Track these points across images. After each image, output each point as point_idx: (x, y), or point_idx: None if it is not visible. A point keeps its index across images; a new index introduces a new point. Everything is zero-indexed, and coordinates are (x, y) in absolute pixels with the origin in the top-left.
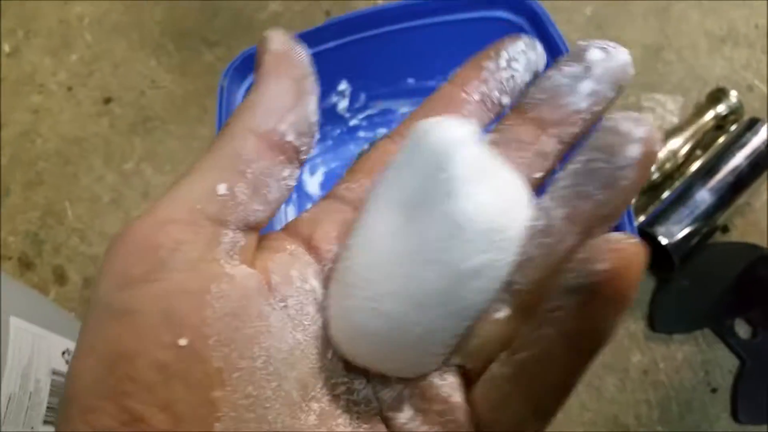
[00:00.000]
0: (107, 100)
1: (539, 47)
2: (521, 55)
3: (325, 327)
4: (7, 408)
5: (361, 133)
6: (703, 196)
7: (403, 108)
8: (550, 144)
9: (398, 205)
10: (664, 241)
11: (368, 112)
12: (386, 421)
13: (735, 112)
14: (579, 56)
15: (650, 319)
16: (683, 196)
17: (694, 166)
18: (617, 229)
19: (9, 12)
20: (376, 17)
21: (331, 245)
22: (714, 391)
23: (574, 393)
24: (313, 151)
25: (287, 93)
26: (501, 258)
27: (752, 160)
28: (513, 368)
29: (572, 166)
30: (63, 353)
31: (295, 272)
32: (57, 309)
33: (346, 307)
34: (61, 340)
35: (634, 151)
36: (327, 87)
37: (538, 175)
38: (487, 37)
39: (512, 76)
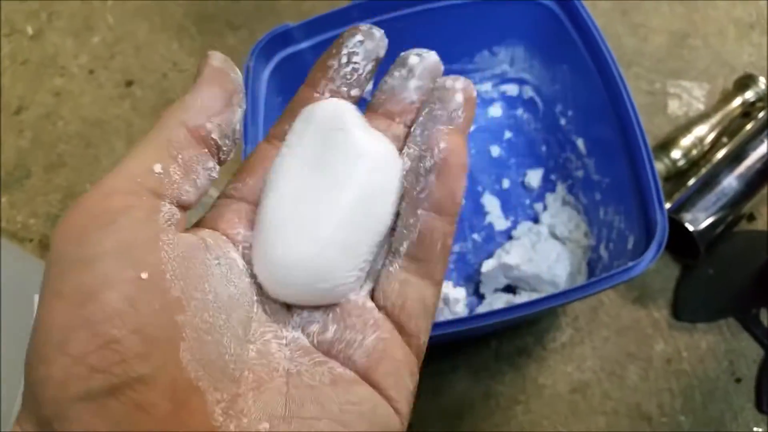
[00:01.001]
0: (129, 83)
1: (376, 33)
2: (359, 47)
3: (248, 285)
4: None
5: None
6: (731, 184)
7: None
8: (399, 129)
9: (303, 163)
10: (690, 228)
11: None
12: (314, 344)
13: (763, 99)
14: (403, 63)
15: (674, 307)
16: (710, 183)
17: (721, 154)
18: (646, 211)
19: None
20: None
21: (237, 229)
22: (738, 381)
23: (596, 381)
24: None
25: (218, 100)
26: (392, 181)
27: None
28: (402, 258)
29: (420, 119)
30: None
31: (221, 242)
32: None
33: (274, 248)
34: None
35: (459, 97)
36: None
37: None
38: (515, 17)
39: (354, 69)
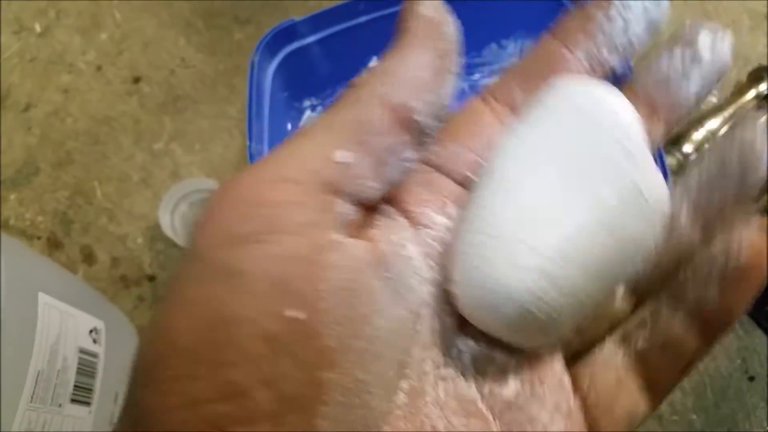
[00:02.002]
0: (136, 80)
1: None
2: (636, 4)
3: (420, 295)
4: (36, 384)
5: None
6: None
7: None
8: (658, 128)
9: (551, 162)
10: None
11: None
12: (485, 396)
13: None
14: (688, 41)
15: None
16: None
17: None
18: None
19: None
20: None
21: (422, 207)
22: (751, 379)
23: None
24: None
25: (428, 68)
26: (656, 235)
27: None
28: (631, 355)
29: (704, 161)
30: (90, 331)
31: (395, 237)
32: (85, 287)
33: (493, 261)
34: (89, 318)
35: (764, 172)
36: (358, 62)
37: None
38: (523, 9)
39: (625, 29)
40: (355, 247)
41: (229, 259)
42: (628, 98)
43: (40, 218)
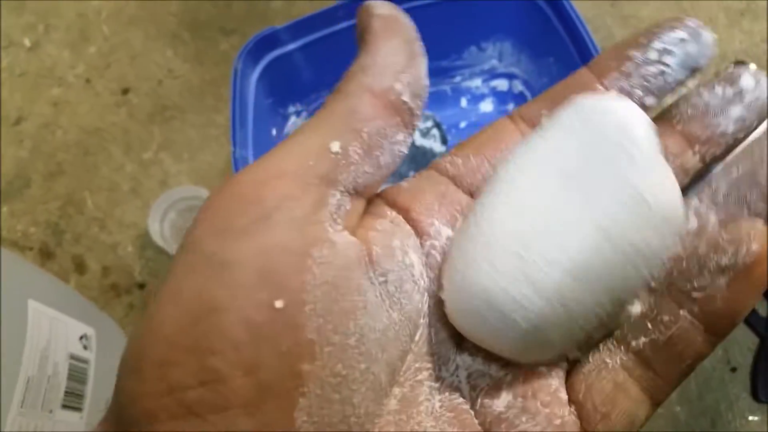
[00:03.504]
0: (125, 91)
1: (706, 36)
2: (678, 47)
3: (419, 304)
4: (26, 390)
5: None
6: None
7: None
8: (692, 161)
9: (555, 172)
10: None
11: None
12: (477, 410)
13: None
14: (731, 79)
15: None
16: (702, 173)
17: None
18: None
19: (29, 7)
20: None
21: (432, 218)
22: (733, 370)
23: None
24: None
25: (400, 53)
26: (666, 245)
27: None
28: (630, 355)
29: (732, 173)
30: (81, 338)
31: (397, 243)
32: (75, 294)
33: (484, 273)
34: (79, 324)
35: None
36: (340, 68)
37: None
38: (500, 13)
39: (662, 72)
40: (347, 245)
41: (220, 250)
42: (665, 129)
43: (32, 229)
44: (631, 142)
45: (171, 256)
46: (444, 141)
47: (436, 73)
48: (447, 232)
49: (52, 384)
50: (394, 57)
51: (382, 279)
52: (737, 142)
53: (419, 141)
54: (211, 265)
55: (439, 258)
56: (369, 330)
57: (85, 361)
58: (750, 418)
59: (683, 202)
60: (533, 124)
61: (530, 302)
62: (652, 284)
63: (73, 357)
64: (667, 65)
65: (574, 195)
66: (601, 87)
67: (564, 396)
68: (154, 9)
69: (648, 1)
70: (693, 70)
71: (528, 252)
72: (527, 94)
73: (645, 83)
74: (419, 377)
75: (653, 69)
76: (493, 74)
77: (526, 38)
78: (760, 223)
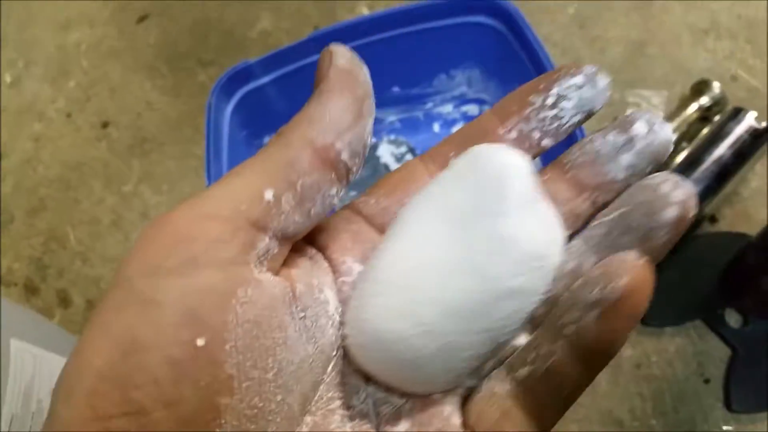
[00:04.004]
0: (105, 124)
1: (601, 81)
2: (574, 93)
3: (333, 338)
4: (10, 427)
5: None
6: None
7: (391, 116)
8: (583, 206)
9: (443, 218)
10: None
11: None
12: None
13: (719, 103)
14: (623, 126)
15: None
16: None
17: (680, 158)
18: None
19: (9, 42)
20: (357, 28)
21: (345, 257)
22: (707, 381)
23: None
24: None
25: (348, 111)
26: (535, 285)
27: (736, 149)
28: (516, 384)
29: (609, 217)
30: None
31: (315, 281)
32: (59, 330)
33: (374, 311)
34: (62, 360)
35: (671, 213)
36: None
37: (567, 233)
38: (467, 41)
39: (558, 117)
40: (272, 284)
41: (148, 288)
42: (556, 175)
43: (16, 265)
44: (500, 191)
45: None
46: None
47: (408, 101)
48: (359, 268)
49: (36, 421)
50: (342, 115)
51: (301, 314)
52: (629, 186)
53: (394, 166)
54: (140, 303)
55: (350, 293)
56: (287, 363)
57: None
58: (724, 428)
59: (562, 243)
60: (441, 164)
61: (414, 338)
62: (531, 319)
63: None
64: (563, 109)
65: (456, 240)
66: (502, 130)
67: (457, 421)
68: (132, 41)
69: (616, 22)
70: (588, 114)
71: (413, 291)
72: None
73: (542, 126)
74: (331, 406)
75: (550, 113)
76: (464, 100)
77: (492, 65)
78: (631, 256)
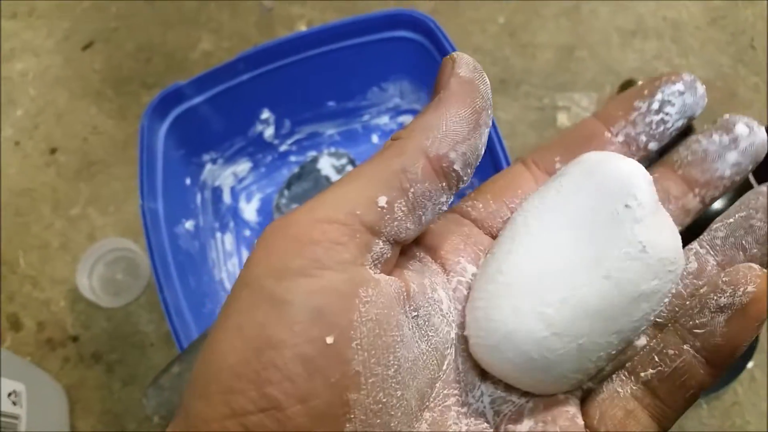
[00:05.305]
0: (53, 150)
1: (700, 88)
2: (677, 98)
3: (447, 336)
4: None
5: (292, 158)
6: None
7: (329, 130)
8: (693, 202)
9: (566, 223)
10: None
11: (296, 137)
12: None
13: None
14: (726, 128)
15: None
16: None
17: None
18: None
19: None
20: (286, 46)
21: (458, 257)
22: None
23: None
24: (250, 179)
25: (465, 122)
26: (666, 288)
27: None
28: (640, 385)
29: (729, 220)
30: (9, 395)
31: (427, 281)
32: (6, 353)
33: (504, 312)
34: (8, 382)
35: None
36: (250, 116)
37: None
38: (394, 55)
39: (663, 121)
40: (388, 284)
41: (277, 289)
42: (667, 173)
43: None
44: (633, 198)
45: (102, 308)
46: None
47: (345, 114)
48: (472, 269)
49: None
50: (458, 125)
51: (414, 314)
52: (734, 185)
53: (335, 178)
54: (271, 303)
55: (465, 292)
56: (404, 360)
57: (15, 417)
58: None
59: (681, 245)
60: (545, 169)
61: (546, 339)
62: (657, 320)
63: (2, 414)
64: (668, 114)
65: (583, 245)
66: (608, 134)
67: (581, 422)
68: (78, 68)
69: (545, 28)
70: (690, 119)
71: (544, 294)
72: None
73: (648, 130)
74: (447, 402)
75: (656, 117)
76: (398, 111)
77: (420, 77)
78: (756, 268)
